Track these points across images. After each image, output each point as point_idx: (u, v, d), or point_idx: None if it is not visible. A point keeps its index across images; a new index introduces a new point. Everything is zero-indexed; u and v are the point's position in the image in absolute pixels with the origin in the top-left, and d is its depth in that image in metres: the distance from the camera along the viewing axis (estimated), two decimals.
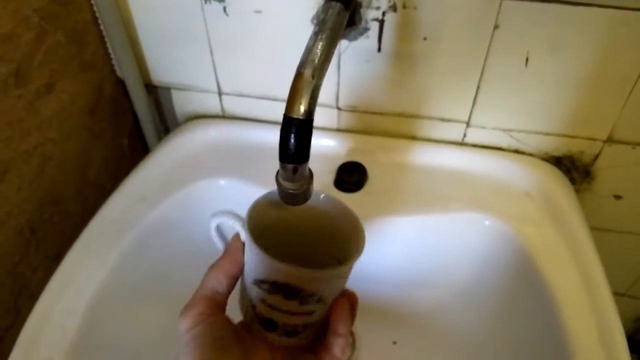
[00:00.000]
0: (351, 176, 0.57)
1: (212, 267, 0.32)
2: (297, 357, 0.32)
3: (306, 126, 0.30)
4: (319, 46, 0.33)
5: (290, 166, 0.31)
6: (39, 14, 0.50)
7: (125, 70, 0.60)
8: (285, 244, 0.35)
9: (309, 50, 0.32)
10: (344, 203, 0.35)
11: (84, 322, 0.45)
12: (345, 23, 0.36)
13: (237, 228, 0.33)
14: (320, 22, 0.34)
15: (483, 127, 0.57)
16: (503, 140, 0.58)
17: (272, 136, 0.61)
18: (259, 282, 0.30)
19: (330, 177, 0.57)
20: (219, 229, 0.35)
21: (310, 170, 0.33)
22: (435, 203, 0.55)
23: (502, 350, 0.52)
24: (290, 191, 0.32)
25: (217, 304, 0.31)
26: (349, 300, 0.32)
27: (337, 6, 0.35)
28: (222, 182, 0.58)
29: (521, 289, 0.52)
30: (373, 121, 0.60)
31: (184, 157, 0.60)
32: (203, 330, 0.29)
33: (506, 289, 0.54)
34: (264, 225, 0.33)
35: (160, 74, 0.62)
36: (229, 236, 0.52)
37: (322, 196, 0.35)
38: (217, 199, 0.58)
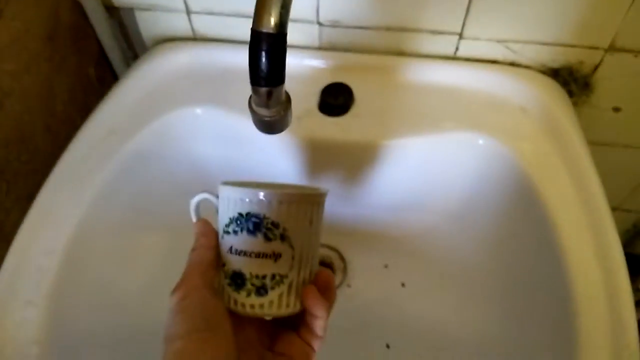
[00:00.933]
0: (337, 98, 0.53)
1: (193, 248, 0.32)
2: (282, 334, 0.32)
3: (279, 41, 0.27)
4: None
5: (263, 89, 0.27)
6: None
7: None
8: None
9: None
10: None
11: (63, 262, 0.43)
12: None
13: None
14: None
15: (477, 39, 0.53)
16: (498, 52, 0.54)
17: (245, 57, 0.57)
18: (225, 228, 0.30)
19: (314, 100, 0.54)
20: (198, 210, 0.34)
21: (287, 93, 0.29)
22: (426, 123, 0.51)
23: (496, 270, 0.52)
24: (266, 118, 0.28)
25: (206, 277, 0.30)
26: (323, 281, 0.32)
27: None
28: (198, 110, 0.54)
29: (516, 208, 0.50)
30: (358, 37, 0.55)
31: (155, 84, 0.56)
32: (193, 301, 0.28)
33: (501, 209, 0.52)
34: None
35: None
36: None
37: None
38: (194, 129, 0.54)
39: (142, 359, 0.46)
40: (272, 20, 0.26)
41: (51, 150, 0.56)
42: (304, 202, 0.31)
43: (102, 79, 0.64)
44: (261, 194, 0.29)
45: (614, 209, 0.71)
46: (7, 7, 0.48)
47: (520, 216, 0.50)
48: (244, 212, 0.29)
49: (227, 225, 0.30)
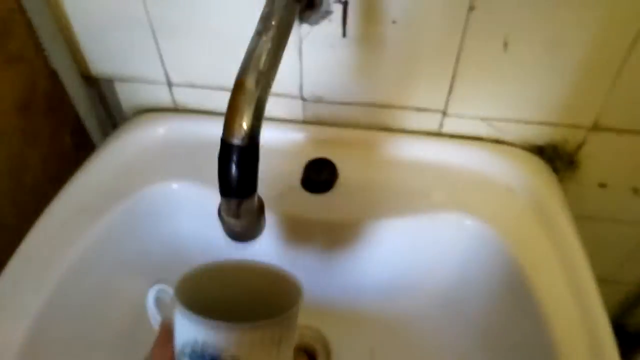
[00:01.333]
0: (320, 175, 0.51)
1: (153, 347, 0.30)
2: None
3: (250, 153, 0.25)
4: (264, 49, 0.27)
5: (233, 201, 0.25)
6: None
7: (59, 62, 0.53)
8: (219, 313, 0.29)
9: (250, 55, 0.26)
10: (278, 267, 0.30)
11: (19, 357, 0.40)
12: (296, 14, 0.30)
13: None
14: (264, 18, 0.28)
15: (461, 117, 0.52)
16: (482, 130, 0.53)
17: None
18: (180, 351, 0.27)
19: (297, 176, 0.52)
20: (158, 302, 0.31)
21: (260, 200, 0.27)
22: (411, 202, 0.50)
23: (485, 356, 0.49)
24: (237, 229, 0.26)
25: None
26: None
27: None
28: (175, 186, 0.52)
29: (504, 292, 0.48)
30: (342, 112, 0.54)
31: (131, 157, 0.54)
32: None
33: (489, 293, 0.50)
34: (195, 296, 0.29)
35: (99, 64, 0.55)
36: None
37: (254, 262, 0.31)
38: (169, 205, 0.52)
39: None
40: (244, 130, 0.25)
41: (18, 227, 0.53)
42: (271, 327, 0.27)
43: (79, 147, 0.62)
44: (219, 329, 0.25)
45: (604, 280, 0.70)
46: None
47: (508, 300, 0.48)
48: (199, 341, 0.26)
49: (182, 351, 0.27)
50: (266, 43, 0.27)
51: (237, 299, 0.33)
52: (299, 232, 0.51)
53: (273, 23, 0.27)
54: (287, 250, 0.52)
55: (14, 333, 0.40)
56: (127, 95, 0.58)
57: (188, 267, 0.54)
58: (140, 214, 0.51)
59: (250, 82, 0.25)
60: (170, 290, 0.30)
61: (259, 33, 0.27)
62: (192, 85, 0.55)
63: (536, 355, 0.43)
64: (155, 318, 0.34)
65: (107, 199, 0.50)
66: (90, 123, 0.59)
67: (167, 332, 0.30)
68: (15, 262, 0.45)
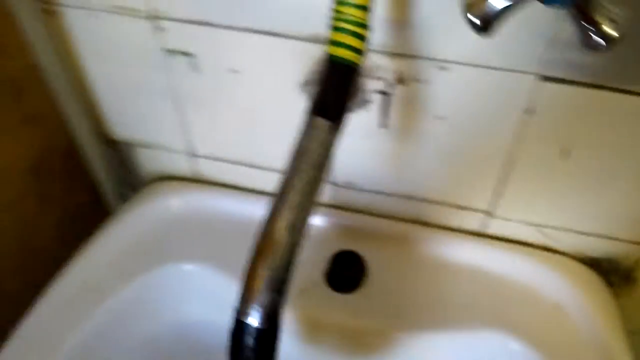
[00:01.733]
0: (347, 270, 0.46)
1: None
2: None
3: (268, 337, 0.20)
4: (296, 194, 0.22)
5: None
6: None
7: (76, 123, 0.50)
8: None
9: (280, 204, 0.21)
10: None
11: None
12: (335, 142, 0.25)
13: None
14: (299, 152, 0.23)
15: (508, 219, 0.47)
16: (532, 236, 0.48)
17: (248, 208, 0.51)
18: None
19: (321, 268, 0.47)
20: None
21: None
22: (448, 315, 0.44)
23: None
24: None
25: None
26: None
27: (323, 126, 0.24)
28: (188, 267, 0.48)
29: None
30: (375, 201, 0.49)
31: (144, 231, 0.50)
32: None
33: None
34: None
35: (120, 128, 0.52)
36: None
37: None
38: (180, 288, 0.48)
39: None
40: (261, 311, 0.20)
41: (24, 295, 0.50)
42: None
43: (94, 211, 0.58)
44: None
45: None
46: None
47: None
48: None
49: None
50: (300, 188, 0.22)
51: None
52: (319, 334, 0.46)
53: (309, 160, 0.22)
54: (304, 352, 0.47)
55: None
56: (147, 161, 0.54)
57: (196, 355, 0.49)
58: (149, 296, 0.47)
59: (281, 234, 0.20)
60: None
61: (288, 178, 0.22)
62: (214, 158, 0.51)
63: None
64: None
65: (116, 278, 0.46)
66: (107, 187, 0.55)
67: None
68: (15, 344, 0.41)
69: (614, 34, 0.19)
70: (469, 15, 0.18)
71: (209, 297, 0.49)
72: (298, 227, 0.22)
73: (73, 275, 0.46)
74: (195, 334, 0.50)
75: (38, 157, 0.50)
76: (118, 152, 0.55)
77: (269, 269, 0.20)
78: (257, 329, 0.20)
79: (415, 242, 0.49)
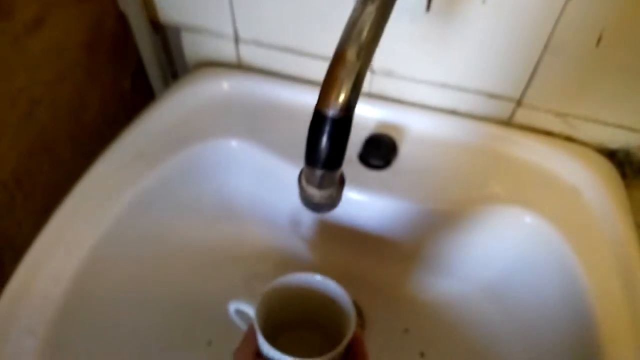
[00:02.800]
0: (378, 150, 0.50)
1: (236, 349, 0.36)
2: None
3: (344, 125, 0.24)
4: (368, 19, 0.25)
5: (318, 172, 0.25)
6: None
7: (128, 5, 0.52)
8: (287, 320, 0.42)
9: (353, 25, 0.24)
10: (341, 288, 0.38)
11: (70, 291, 0.41)
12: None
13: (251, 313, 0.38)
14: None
15: (535, 108, 0.50)
16: (555, 125, 0.51)
17: (293, 95, 0.54)
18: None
19: (355, 150, 0.51)
20: (237, 312, 0.40)
21: (342, 174, 0.27)
22: (471, 190, 0.48)
23: (523, 350, 0.48)
24: (315, 200, 0.25)
25: None
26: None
27: None
28: (234, 143, 0.52)
29: (555, 294, 0.46)
30: (410, 89, 0.52)
31: (191, 109, 0.53)
32: None
33: (539, 292, 0.48)
34: (270, 309, 0.38)
35: (169, 11, 0.54)
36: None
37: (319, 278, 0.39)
38: (226, 162, 0.52)
39: None
40: (341, 102, 0.23)
41: (74, 163, 0.54)
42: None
43: (138, 92, 0.61)
44: None
45: None
46: (51, 15, 0.46)
47: (558, 303, 0.46)
48: None
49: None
50: (371, 14, 0.25)
51: (303, 311, 0.42)
52: (352, 207, 0.50)
53: (375, 3, 0.25)
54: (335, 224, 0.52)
55: (67, 265, 0.41)
56: (193, 46, 0.57)
57: (237, 222, 0.54)
58: (196, 166, 0.51)
59: (351, 54, 0.23)
60: (246, 307, 0.38)
61: (364, 2, 0.25)
62: (260, 44, 0.54)
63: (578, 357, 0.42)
64: (240, 325, 0.41)
65: (165, 149, 0.50)
66: (152, 70, 0.58)
67: (249, 336, 0.36)
68: (73, 198, 0.45)
69: None
70: None
71: (251, 171, 0.52)
72: (365, 56, 0.25)
73: (126, 142, 0.50)
74: (236, 202, 0.54)
75: (90, 34, 0.52)
76: (164, 36, 0.57)
77: (345, 74, 0.23)
78: (334, 119, 0.23)
79: (444, 128, 0.52)
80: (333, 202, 0.27)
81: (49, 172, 0.51)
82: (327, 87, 0.24)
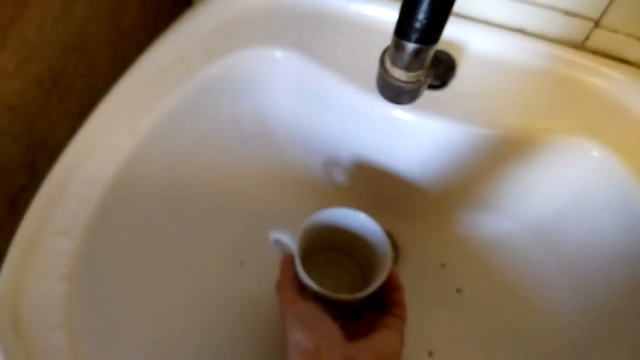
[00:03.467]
0: (435, 69, 0.46)
1: (279, 290, 0.35)
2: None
3: None
4: None
5: (411, 46, 0.21)
6: None
7: None
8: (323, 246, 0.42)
9: None
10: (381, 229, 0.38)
11: (106, 195, 0.39)
12: None
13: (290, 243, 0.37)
14: None
15: (614, 30, 0.45)
16: (632, 52, 0.46)
17: (346, 4, 0.50)
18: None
19: None
20: (277, 242, 0.38)
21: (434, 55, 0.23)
22: (533, 118, 0.44)
23: (572, 299, 0.45)
24: (399, 84, 0.22)
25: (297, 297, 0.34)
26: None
27: None
28: (279, 53, 0.48)
29: (615, 236, 0.43)
30: (477, 3, 0.47)
31: (234, 15, 0.50)
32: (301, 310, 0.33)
33: (594, 233, 0.45)
34: (309, 241, 0.38)
35: None
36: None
37: (363, 216, 0.39)
38: (270, 72, 0.49)
39: (176, 302, 0.43)
40: None
41: (110, 67, 0.51)
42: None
43: (178, 4, 0.58)
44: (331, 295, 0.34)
45: None
46: None
47: (618, 245, 0.43)
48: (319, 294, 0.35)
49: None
50: None
51: (339, 242, 0.42)
52: (400, 132, 0.46)
53: None
54: (383, 146, 0.49)
55: (104, 169, 0.39)
56: None
57: (273, 145, 0.51)
58: (237, 76, 0.48)
59: None
60: (285, 236, 0.37)
61: None
62: None
63: (633, 310, 0.39)
64: (277, 254, 0.39)
65: (207, 53, 0.47)
66: None
67: (287, 272, 0.36)
68: (110, 101, 0.43)
69: None
70: None
71: (294, 84, 0.49)
72: None
73: (165, 47, 0.47)
74: (273, 117, 0.51)
75: None
76: None
77: None
78: None
79: (509, 48, 0.48)
80: (418, 89, 0.23)
81: (85, 74, 0.49)
82: None
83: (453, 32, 0.48)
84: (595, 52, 0.47)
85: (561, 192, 0.47)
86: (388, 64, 0.23)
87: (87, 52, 0.48)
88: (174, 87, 0.45)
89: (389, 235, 0.52)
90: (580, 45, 0.47)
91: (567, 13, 0.45)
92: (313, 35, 0.48)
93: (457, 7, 0.47)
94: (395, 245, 0.52)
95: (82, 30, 0.46)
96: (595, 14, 0.44)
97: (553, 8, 0.45)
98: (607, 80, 0.46)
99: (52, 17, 0.42)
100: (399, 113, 0.45)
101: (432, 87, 0.46)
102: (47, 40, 0.43)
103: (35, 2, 0.40)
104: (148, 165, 0.43)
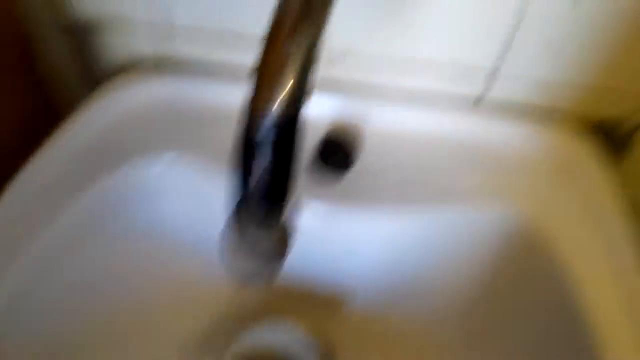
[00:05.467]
0: (337, 151, 0.43)
1: None
2: None
3: (288, 138, 0.16)
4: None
5: (255, 211, 0.17)
6: None
7: (31, 9, 0.43)
8: None
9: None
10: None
11: None
12: None
13: None
14: None
15: (510, 80, 0.44)
16: (533, 99, 0.45)
17: (225, 94, 0.46)
18: None
19: (310, 152, 0.44)
20: None
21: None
22: (442, 187, 0.42)
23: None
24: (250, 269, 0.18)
25: None
26: None
27: None
28: (162, 160, 0.43)
29: (540, 292, 0.41)
30: (370, 70, 0.46)
31: (109, 125, 0.45)
32: None
33: (521, 292, 0.43)
34: None
35: (82, 2, 0.45)
36: None
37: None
38: (153, 184, 0.44)
39: None
40: (280, 108, 0.16)
41: None
42: None
43: (51, 110, 0.52)
44: None
45: None
46: None
47: (543, 303, 0.41)
48: None
49: None
50: None
51: None
52: (313, 216, 0.43)
53: None
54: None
55: None
56: (111, 44, 0.48)
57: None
58: (122, 192, 0.43)
59: (291, 34, 0.16)
60: None
61: None
62: (193, 29, 0.45)
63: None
64: None
65: (82, 175, 0.41)
66: (66, 77, 0.49)
67: None
68: None
69: None
70: None
71: (185, 190, 0.45)
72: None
73: (34, 174, 0.41)
74: (172, 227, 0.46)
75: None
76: (78, 39, 0.48)
77: (284, 63, 0.16)
78: (275, 127, 0.16)
79: (410, 118, 0.46)
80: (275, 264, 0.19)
81: None
82: (260, 85, 0.16)
83: (350, 106, 0.46)
84: (497, 105, 0.46)
85: (479, 256, 0.44)
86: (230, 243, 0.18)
87: None
88: (44, 223, 0.38)
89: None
90: (480, 100, 0.46)
91: (462, 66, 0.44)
92: (203, 133, 0.45)
93: (351, 75, 0.46)
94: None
95: None
96: (489, 64, 0.44)
97: (450, 64, 0.44)
98: (512, 133, 0.45)
99: None
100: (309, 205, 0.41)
101: (335, 171, 0.43)
102: None
103: None
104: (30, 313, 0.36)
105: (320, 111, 0.46)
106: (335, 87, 0.47)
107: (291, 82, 0.16)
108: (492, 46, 0.42)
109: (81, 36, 0.48)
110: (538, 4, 0.38)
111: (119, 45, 0.48)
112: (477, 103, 0.46)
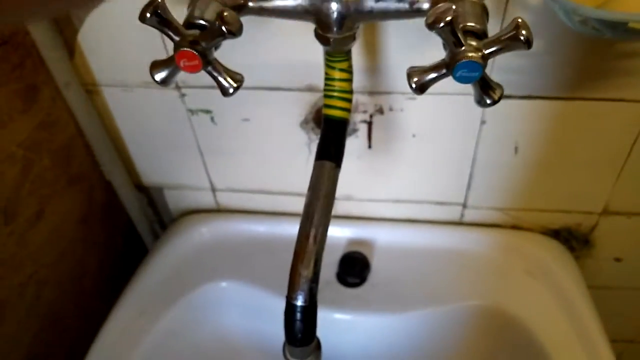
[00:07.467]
0: (353, 268, 0.56)
1: None
2: None
3: (310, 311, 0.30)
4: (317, 215, 0.32)
5: (297, 349, 0.31)
6: (22, 147, 0.49)
7: (113, 175, 0.59)
8: None
9: (306, 223, 0.31)
10: None
11: None
12: (337, 179, 0.35)
13: None
14: (314, 187, 0.33)
15: (479, 208, 0.57)
16: (500, 218, 0.58)
17: (269, 229, 0.61)
18: None
19: (332, 271, 0.57)
20: None
21: (317, 340, 0.33)
22: (436, 293, 0.54)
23: None
24: None
25: None
26: None
27: (328, 166, 0.34)
28: (224, 284, 0.57)
29: None
30: (370, 208, 0.59)
31: (180, 259, 0.59)
32: None
33: None
34: None
35: (151, 175, 0.61)
36: None
37: None
38: (220, 303, 0.57)
39: None
40: (304, 295, 0.30)
41: (80, 326, 0.59)
42: None
43: (132, 249, 0.67)
44: None
45: (630, 341, 0.73)
46: (49, 204, 0.53)
47: None
48: None
49: None
50: (316, 213, 0.32)
51: None
52: (336, 325, 0.55)
53: (322, 192, 0.33)
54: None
55: None
56: (175, 200, 0.64)
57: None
58: (193, 314, 0.56)
59: (309, 249, 0.30)
60: None
61: (308, 205, 0.32)
62: (233, 190, 0.61)
63: None
64: None
65: (163, 301, 0.55)
66: (141, 226, 0.65)
67: None
68: None
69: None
70: (411, 82, 0.28)
71: (244, 307, 0.58)
72: (321, 238, 0.32)
73: (127, 304, 0.55)
74: (235, 339, 0.59)
75: (84, 209, 0.59)
76: (149, 195, 0.64)
77: (305, 267, 0.30)
78: (302, 307, 0.30)
79: (406, 238, 0.59)
80: None
81: (60, 342, 0.56)
82: (293, 283, 0.30)
83: (360, 233, 0.60)
84: (473, 224, 0.59)
85: (472, 352, 0.55)
86: (288, 355, 0.32)
87: (58, 322, 0.56)
88: (139, 340, 0.52)
89: None
90: (459, 222, 0.59)
91: (440, 204, 0.57)
92: (250, 261, 0.58)
93: (359, 213, 0.60)
94: None
95: (51, 309, 0.54)
96: (460, 200, 0.57)
97: (428, 202, 0.57)
98: (486, 244, 0.58)
99: (24, 310, 0.51)
100: (332, 315, 0.54)
101: (354, 285, 0.56)
102: (22, 328, 0.50)
103: (10, 304, 0.48)
104: None
105: (339, 235, 0.60)
106: (347, 218, 0.61)
107: (307, 285, 0.30)
108: (459, 187, 0.55)
109: (151, 194, 0.64)
110: (484, 155, 0.52)
111: (180, 199, 0.64)
112: (458, 224, 0.59)
